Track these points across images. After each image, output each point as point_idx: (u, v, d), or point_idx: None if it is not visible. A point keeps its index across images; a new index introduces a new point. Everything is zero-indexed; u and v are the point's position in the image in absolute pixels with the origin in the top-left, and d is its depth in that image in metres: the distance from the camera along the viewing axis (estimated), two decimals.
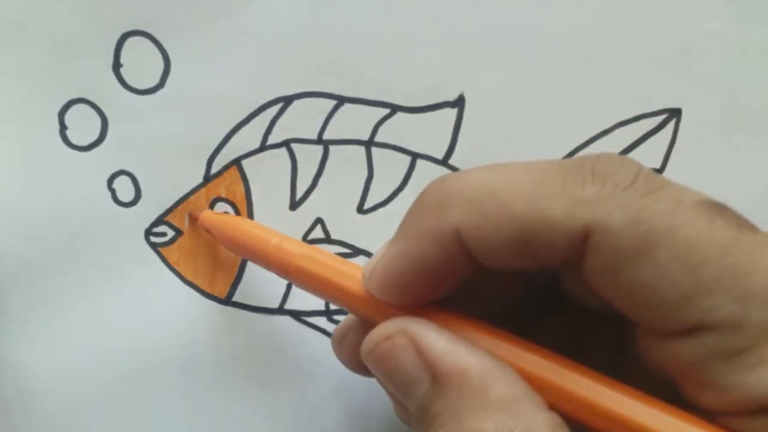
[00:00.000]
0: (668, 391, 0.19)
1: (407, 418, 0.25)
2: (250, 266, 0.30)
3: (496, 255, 0.20)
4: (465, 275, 0.21)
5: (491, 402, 0.18)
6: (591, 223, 0.18)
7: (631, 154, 0.30)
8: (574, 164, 0.19)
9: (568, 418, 0.19)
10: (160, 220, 0.30)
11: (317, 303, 0.30)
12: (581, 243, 0.18)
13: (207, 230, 0.29)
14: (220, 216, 0.29)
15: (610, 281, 0.19)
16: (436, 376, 0.19)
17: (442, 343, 0.20)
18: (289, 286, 0.30)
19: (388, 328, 0.21)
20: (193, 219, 0.30)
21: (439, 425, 0.19)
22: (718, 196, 0.29)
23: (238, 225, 0.28)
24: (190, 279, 0.30)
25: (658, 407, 0.18)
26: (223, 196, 0.30)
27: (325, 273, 0.23)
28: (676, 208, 0.18)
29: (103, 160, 0.30)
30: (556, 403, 0.19)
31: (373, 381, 0.30)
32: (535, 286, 0.24)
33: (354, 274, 0.23)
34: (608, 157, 0.19)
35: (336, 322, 0.30)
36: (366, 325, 0.23)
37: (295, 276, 0.24)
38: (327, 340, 0.30)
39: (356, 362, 0.25)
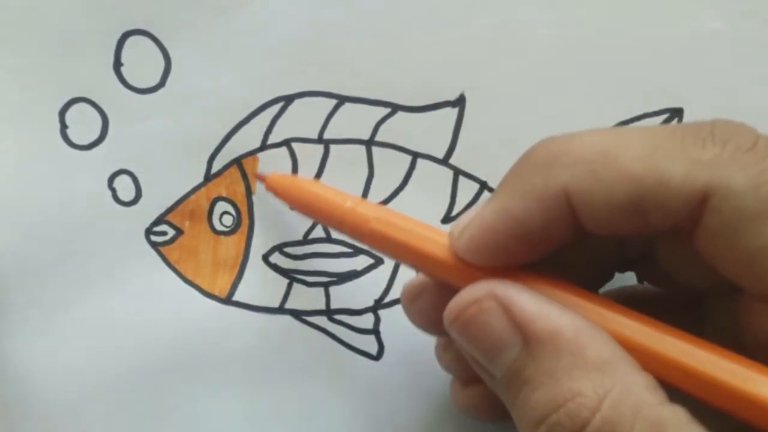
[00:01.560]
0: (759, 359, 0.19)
1: (464, 393, 0.24)
2: (251, 265, 0.30)
3: (605, 218, 0.19)
4: (564, 239, 0.20)
5: (587, 362, 0.18)
6: (711, 184, 0.18)
7: None
8: (692, 127, 0.19)
9: (661, 381, 0.18)
10: (160, 220, 0.30)
11: (317, 303, 0.30)
12: (699, 205, 0.18)
13: (275, 193, 0.29)
14: (289, 179, 0.29)
15: (726, 245, 0.18)
16: (529, 339, 0.19)
17: (533, 306, 0.19)
18: (289, 286, 0.30)
19: (475, 292, 0.20)
20: (261, 179, 0.29)
21: (534, 387, 0.19)
22: None
23: (309, 188, 0.27)
24: (191, 278, 0.30)
25: (753, 368, 0.18)
26: (224, 195, 0.30)
27: (401, 236, 0.23)
28: None
29: (104, 159, 0.30)
30: (649, 365, 0.19)
31: (374, 383, 0.30)
32: (629, 257, 0.23)
33: (434, 236, 0.22)
34: (726, 122, 0.19)
35: (337, 321, 0.30)
36: (442, 286, 0.23)
37: (370, 240, 0.24)
38: (327, 340, 0.30)
39: (430, 321, 0.24)
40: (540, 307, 0.19)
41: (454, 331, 0.21)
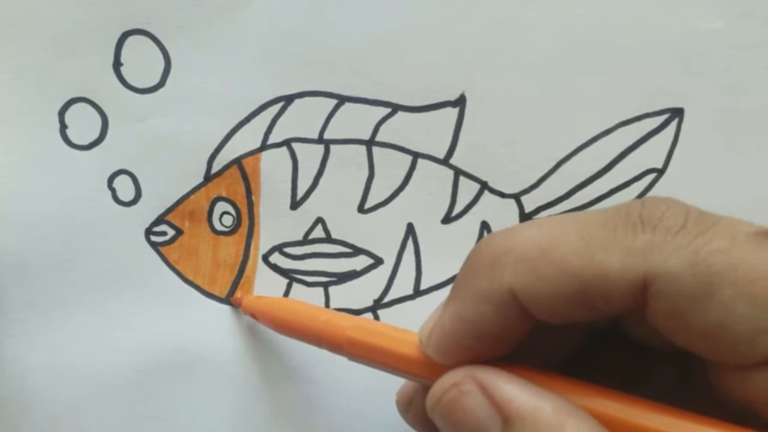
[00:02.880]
0: (737, 416, 0.19)
1: None
2: (251, 265, 0.30)
3: (553, 311, 0.19)
4: (523, 332, 0.20)
5: None
6: (649, 271, 0.18)
7: (633, 154, 0.29)
8: (621, 213, 0.19)
9: None
10: (160, 220, 0.30)
11: (317, 302, 0.30)
12: (641, 292, 0.18)
13: (252, 315, 0.29)
14: (264, 299, 0.29)
15: (677, 325, 0.19)
16: (509, 419, 0.19)
17: (511, 386, 0.19)
18: (289, 286, 0.30)
19: (455, 375, 0.21)
20: (237, 303, 0.30)
21: None
22: (721, 196, 0.29)
23: (284, 306, 0.28)
24: (191, 278, 0.30)
25: None
26: (224, 195, 0.30)
27: (379, 341, 0.23)
28: (732, 244, 0.18)
29: (104, 159, 0.30)
30: None
31: (373, 383, 0.30)
32: (594, 331, 0.23)
33: (408, 339, 0.23)
34: (653, 201, 0.19)
35: None
36: (429, 388, 0.23)
37: (349, 348, 0.24)
38: None
39: (428, 425, 0.24)
40: (518, 387, 0.19)
41: (437, 416, 0.21)
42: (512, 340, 0.21)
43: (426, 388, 0.23)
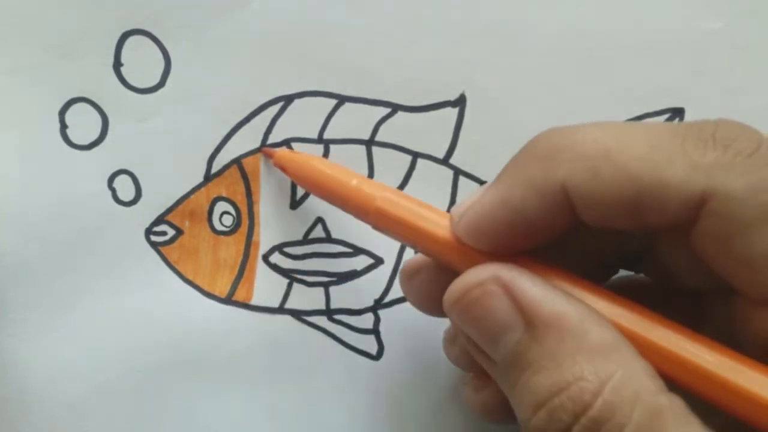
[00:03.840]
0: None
1: (466, 367, 0.24)
2: (251, 265, 0.30)
3: (602, 214, 0.19)
4: (563, 230, 0.20)
5: (590, 347, 0.18)
6: (710, 188, 0.18)
7: None
8: (694, 128, 0.19)
9: (658, 372, 0.19)
10: (160, 219, 0.30)
11: (317, 302, 0.30)
12: (696, 208, 0.18)
13: (283, 169, 0.28)
14: (297, 155, 0.29)
15: (721, 249, 0.18)
16: (532, 322, 0.19)
17: (537, 290, 0.19)
18: (289, 286, 0.30)
19: (479, 274, 0.20)
20: (268, 156, 0.29)
21: (536, 370, 0.19)
22: None
23: (316, 165, 0.27)
24: (191, 278, 0.30)
25: (750, 366, 0.18)
26: (224, 195, 0.30)
27: (406, 216, 0.23)
28: None
29: (104, 159, 0.30)
30: (647, 356, 0.19)
31: (374, 382, 0.30)
32: (629, 250, 0.23)
33: (437, 218, 0.22)
34: (729, 123, 0.19)
35: (337, 321, 0.30)
36: (442, 266, 0.23)
37: (375, 219, 0.24)
38: (327, 340, 0.30)
39: (426, 300, 0.24)
40: (544, 291, 0.19)
41: (455, 313, 0.21)
42: (546, 236, 0.20)
43: (438, 264, 0.23)
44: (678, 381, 0.19)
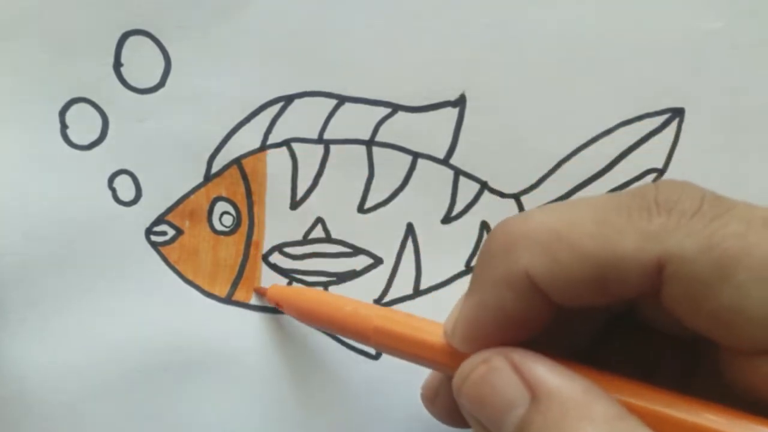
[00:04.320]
0: (746, 405, 0.19)
1: None
2: (251, 265, 0.30)
3: (570, 294, 0.19)
4: (544, 318, 0.21)
5: (595, 417, 0.18)
6: (663, 254, 0.18)
7: (634, 154, 0.29)
8: (636, 197, 0.19)
9: None
10: (160, 219, 0.30)
11: None
12: (656, 275, 0.18)
13: (277, 305, 0.29)
14: (289, 289, 0.29)
15: (691, 309, 0.19)
16: (537, 395, 0.19)
17: (541, 365, 0.20)
18: (289, 285, 0.30)
19: (484, 354, 0.21)
20: (261, 294, 0.30)
21: None
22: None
23: (309, 296, 0.28)
24: (191, 278, 0.30)
25: (758, 423, 0.18)
26: (224, 195, 0.30)
27: (405, 331, 0.23)
28: (747, 229, 0.18)
29: (104, 159, 0.30)
30: (652, 426, 0.19)
31: (373, 382, 0.30)
32: (611, 316, 0.23)
33: (435, 329, 0.23)
34: (668, 184, 0.19)
35: None
36: (446, 374, 0.23)
37: (375, 338, 0.24)
38: (326, 340, 0.30)
39: (454, 417, 0.24)
40: (548, 366, 0.20)
41: (464, 393, 0.21)
42: (534, 326, 0.21)
43: (452, 380, 0.23)
44: None
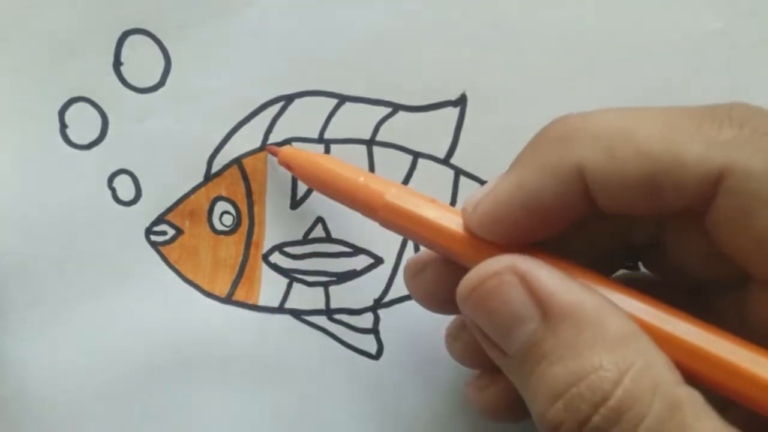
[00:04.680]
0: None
1: (475, 364, 0.24)
2: (251, 265, 0.30)
3: (619, 196, 0.19)
4: (577, 217, 0.20)
5: (609, 337, 0.18)
6: (728, 165, 0.18)
7: None
8: (710, 109, 0.19)
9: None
10: (160, 219, 0.30)
11: (317, 302, 0.30)
12: (713, 186, 0.18)
13: (288, 168, 0.28)
14: (302, 153, 0.28)
15: (738, 228, 0.18)
16: (548, 313, 0.19)
17: (553, 280, 0.19)
18: (289, 285, 0.30)
19: (495, 265, 0.20)
20: (273, 154, 0.29)
21: (552, 361, 0.18)
22: None
23: (321, 163, 0.27)
24: (191, 278, 0.30)
25: (765, 354, 0.18)
26: (224, 195, 0.30)
27: (415, 210, 0.23)
28: None
29: (104, 159, 0.30)
30: (662, 347, 0.19)
31: (374, 382, 0.30)
32: (637, 243, 0.23)
33: (448, 213, 0.22)
34: (743, 105, 0.19)
35: (337, 321, 0.30)
36: (448, 261, 0.22)
37: (384, 215, 0.23)
38: (327, 340, 0.30)
39: (432, 296, 0.24)
40: (560, 282, 0.19)
41: (470, 303, 0.20)
42: (560, 224, 0.20)
43: (444, 260, 0.23)
44: (695, 373, 0.19)
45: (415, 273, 0.25)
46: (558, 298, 0.19)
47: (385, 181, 0.25)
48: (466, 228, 0.22)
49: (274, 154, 0.29)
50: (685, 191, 0.18)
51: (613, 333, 0.18)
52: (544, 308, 0.19)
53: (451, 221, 0.22)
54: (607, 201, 0.19)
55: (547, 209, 0.20)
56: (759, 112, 0.19)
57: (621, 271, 0.26)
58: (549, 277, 0.19)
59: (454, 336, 0.25)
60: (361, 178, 0.25)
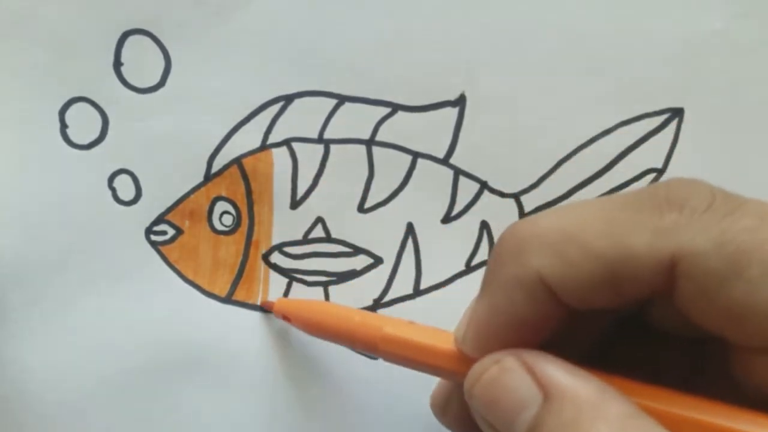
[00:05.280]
0: (755, 405, 0.19)
1: None
2: (251, 265, 0.30)
3: (582, 296, 0.19)
4: (556, 321, 0.20)
5: (609, 416, 0.18)
6: (676, 251, 0.18)
7: (633, 154, 0.29)
8: (646, 195, 0.19)
9: None
10: (160, 219, 0.30)
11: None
12: (669, 273, 0.18)
13: (285, 319, 0.29)
14: (295, 302, 0.29)
15: (703, 306, 0.18)
16: (550, 395, 0.19)
17: (555, 364, 0.19)
18: (289, 285, 0.30)
19: (496, 355, 0.20)
20: (268, 308, 0.30)
21: None
22: None
23: (317, 309, 0.28)
24: (191, 278, 0.30)
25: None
26: (224, 195, 0.30)
27: (414, 338, 0.23)
28: (760, 224, 0.18)
29: (104, 159, 0.30)
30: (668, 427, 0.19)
31: (373, 382, 0.30)
32: (619, 318, 0.23)
33: (444, 336, 0.23)
34: (678, 182, 0.19)
35: None
36: (457, 383, 0.23)
37: (384, 347, 0.24)
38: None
39: (467, 426, 0.24)
40: (561, 365, 0.19)
41: (475, 395, 0.21)
42: (545, 329, 0.20)
43: (461, 389, 0.23)
44: None
45: (443, 411, 0.25)
46: (559, 379, 0.19)
47: (382, 317, 0.25)
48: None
49: (270, 308, 0.30)
50: (642, 282, 0.19)
51: (614, 413, 0.18)
52: (545, 390, 0.19)
53: (449, 345, 0.22)
54: (574, 301, 0.20)
55: (527, 322, 0.20)
56: (696, 187, 0.19)
57: None
58: (549, 361, 0.19)
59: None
60: (357, 318, 0.25)
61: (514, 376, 0.20)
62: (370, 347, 0.25)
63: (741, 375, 0.20)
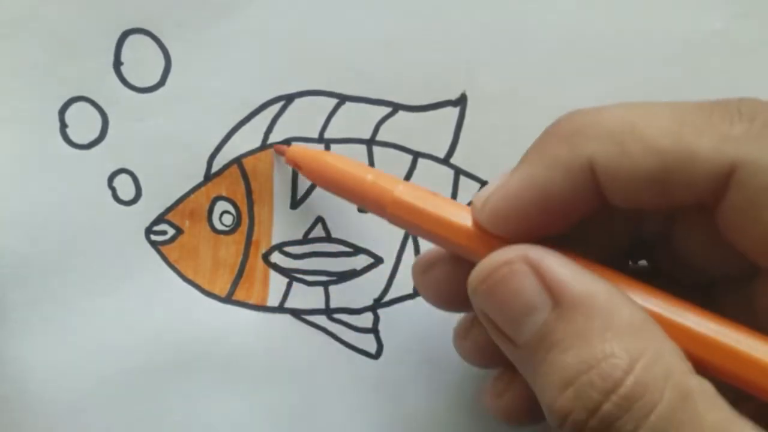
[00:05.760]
0: None
1: (485, 360, 0.24)
2: (251, 265, 0.30)
3: (629, 191, 0.19)
4: (586, 212, 0.20)
5: (620, 325, 0.18)
6: (739, 159, 0.18)
7: None
8: (720, 103, 0.19)
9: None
10: (160, 219, 0.30)
11: (317, 302, 0.30)
12: (724, 180, 0.18)
13: (296, 166, 0.28)
14: (309, 151, 0.28)
15: (748, 221, 0.18)
16: (559, 301, 0.19)
17: (565, 269, 0.19)
18: (289, 285, 0.30)
19: (506, 254, 0.20)
20: (280, 153, 0.29)
21: (563, 349, 0.18)
22: None
23: (329, 161, 0.27)
24: (190, 277, 0.30)
25: None
26: (224, 194, 0.30)
27: (424, 206, 0.23)
28: None
29: (104, 159, 0.30)
30: (674, 338, 0.19)
31: (373, 381, 0.30)
32: (646, 238, 0.23)
33: (457, 209, 0.22)
34: (752, 99, 0.19)
35: (336, 320, 0.30)
36: (457, 258, 0.22)
37: (392, 211, 0.23)
38: (327, 339, 0.30)
39: (441, 294, 0.24)
40: (572, 271, 0.19)
41: (480, 293, 0.20)
42: (569, 220, 0.20)
43: (453, 257, 0.23)
44: (706, 364, 0.19)
45: (423, 270, 0.25)
46: (569, 286, 0.19)
47: (393, 178, 0.24)
48: (475, 223, 0.22)
49: (281, 153, 0.29)
50: (696, 186, 0.18)
51: (624, 322, 0.18)
52: (555, 297, 0.19)
53: (460, 216, 0.22)
54: (617, 196, 0.19)
55: (557, 204, 0.20)
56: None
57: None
58: (560, 266, 0.19)
59: (462, 335, 0.25)
60: (369, 176, 0.25)
61: (523, 278, 0.19)
62: (378, 209, 0.24)
63: (760, 308, 0.19)
